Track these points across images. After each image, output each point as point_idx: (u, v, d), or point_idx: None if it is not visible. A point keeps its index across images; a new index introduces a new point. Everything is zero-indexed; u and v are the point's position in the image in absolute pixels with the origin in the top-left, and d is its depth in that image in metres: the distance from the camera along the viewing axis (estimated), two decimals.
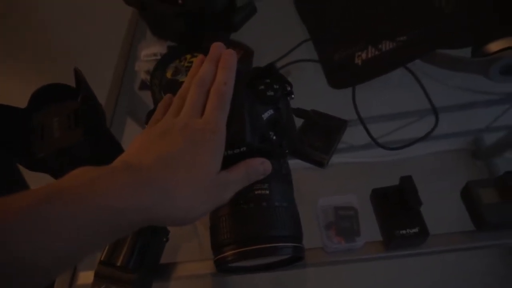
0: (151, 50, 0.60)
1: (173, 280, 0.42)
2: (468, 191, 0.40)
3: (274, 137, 0.38)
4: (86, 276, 0.43)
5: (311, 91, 0.56)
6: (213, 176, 0.31)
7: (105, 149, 0.40)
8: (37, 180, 0.44)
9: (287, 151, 0.41)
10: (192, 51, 0.62)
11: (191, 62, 0.61)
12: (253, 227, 0.34)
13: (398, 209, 0.40)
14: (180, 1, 0.56)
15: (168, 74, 0.60)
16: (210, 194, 0.31)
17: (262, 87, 0.38)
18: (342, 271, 0.45)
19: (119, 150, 0.44)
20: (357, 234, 0.40)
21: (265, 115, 0.37)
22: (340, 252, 0.40)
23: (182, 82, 0.56)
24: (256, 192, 0.35)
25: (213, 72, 0.36)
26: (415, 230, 0.38)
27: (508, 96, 0.60)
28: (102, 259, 0.39)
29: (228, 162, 0.36)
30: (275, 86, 0.38)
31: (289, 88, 0.39)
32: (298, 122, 0.50)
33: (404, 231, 0.38)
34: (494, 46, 0.46)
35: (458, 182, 0.42)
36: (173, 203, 0.28)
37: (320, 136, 0.48)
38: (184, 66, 0.61)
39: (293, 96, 0.40)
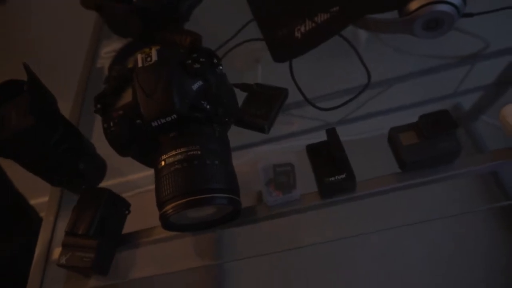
0: (111, 47, 0.64)
1: (135, 247, 0.47)
2: (391, 137, 0.44)
3: (208, 106, 0.43)
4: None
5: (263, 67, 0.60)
6: None
7: (60, 133, 0.45)
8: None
9: (226, 119, 0.46)
10: (149, 45, 0.67)
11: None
12: (188, 182, 0.38)
13: (327, 160, 0.43)
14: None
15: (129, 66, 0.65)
16: None
17: (190, 61, 0.42)
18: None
19: (74, 134, 0.49)
20: (293, 186, 0.44)
21: (195, 86, 0.42)
22: (279, 205, 0.44)
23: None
24: (189, 153, 0.39)
25: None
26: (343, 176, 0.42)
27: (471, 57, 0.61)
28: (66, 230, 0.44)
29: (162, 130, 0.40)
30: (201, 59, 0.42)
31: (215, 61, 0.43)
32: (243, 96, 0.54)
33: (333, 178, 0.42)
34: (414, 5, 0.50)
35: None
36: None
37: (262, 106, 0.52)
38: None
39: (221, 67, 0.44)
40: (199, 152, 0.39)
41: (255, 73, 0.60)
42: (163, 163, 0.40)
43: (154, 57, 0.42)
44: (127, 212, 0.48)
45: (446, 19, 0.49)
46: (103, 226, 0.44)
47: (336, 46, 0.57)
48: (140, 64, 0.42)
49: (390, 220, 0.44)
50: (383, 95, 0.61)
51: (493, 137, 0.48)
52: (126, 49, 0.64)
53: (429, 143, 0.41)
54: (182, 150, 0.39)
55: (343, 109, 0.52)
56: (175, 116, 0.40)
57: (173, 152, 0.40)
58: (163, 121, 0.40)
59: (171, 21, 0.63)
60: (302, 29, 0.58)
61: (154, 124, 0.40)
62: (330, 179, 0.42)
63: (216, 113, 0.43)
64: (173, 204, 0.38)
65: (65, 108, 0.54)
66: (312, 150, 0.45)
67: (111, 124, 0.43)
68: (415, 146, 0.42)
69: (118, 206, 0.47)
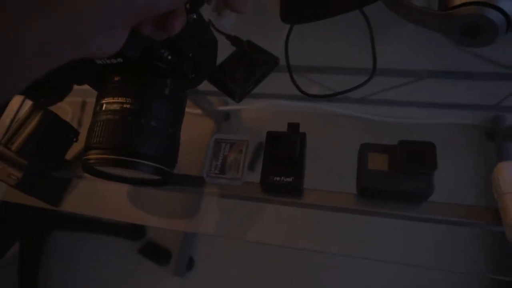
0: None
1: (76, 177, 0.46)
2: (360, 153, 0.37)
3: (169, 57, 0.37)
4: None
5: (263, 21, 0.52)
6: None
7: None
8: None
9: (192, 75, 0.40)
10: None
11: None
12: (117, 138, 0.35)
13: (282, 155, 0.38)
14: None
15: None
16: None
17: None
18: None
19: None
20: (239, 172, 0.40)
21: None
22: (218, 184, 0.41)
23: None
24: (124, 106, 0.35)
25: None
26: (289, 179, 0.37)
27: None
28: (2, 141, 0.43)
29: (108, 70, 0.36)
30: None
31: (188, 6, 0.37)
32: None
33: (278, 178, 0.37)
34: (452, 0, 0.39)
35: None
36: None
37: (245, 68, 0.45)
38: None
39: (194, 16, 0.37)
40: (136, 107, 0.35)
41: (257, 25, 0.52)
42: (102, 106, 0.36)
43: None
44: (75, 139, 0.46)
45: (489, 29, 0.39)
46: (40, 148, 0.42)
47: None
48: None
49: (329, 242, 0.40)
50: (410, 86, 0.55)
51: None
52: None
53: (398, 176, 0.35)
54: (120, 100, 0.35)
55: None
56: (120, 59, 0.35)
57: (111, 99, 0.36)
58: (107, 61, 0.35)
59: None
60: None
61: (99, 62, 0.36)
62: (275, 178, 0.37)
63: (180, 67, 0.38)
64: (96, 156, 0.35)
65: None
66: (272, 139, 0.40)
67: None
68: (381, 174, 0.35)
69: (64, 132, 0.45)
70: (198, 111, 0.58)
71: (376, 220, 0.39)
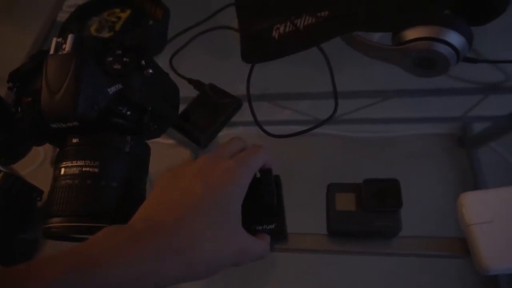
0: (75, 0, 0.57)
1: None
2: (328, 193, 0.37)
3: (128, 112, 0.37)
4: None
5: (224, 62, 0.53)
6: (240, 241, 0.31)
7: None
8: None
9: (155, 127, 0.40)
10: (121, 5, 0.59)
11: (120, 17, 0.59)
12: (76, 203, 0.34)
13: (260, 204, 0.37)
14: None
15: (92, 29, 0.58)
16: (234, 257, 0.31)
17: (111, 59, 0.35)
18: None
19: None
20: None
21: (111, 89, 0.35)
22: None
23: (105, 40, 0.54)
24: (84, 169, 0.34)
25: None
26: (272, 226, 0.36)
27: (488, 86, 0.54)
28: None
29: (65, 133, 0.35)
30: (124, 59, 0.35)
31: (143, 62, 0.37)
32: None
33: (260, 227, 0.36)
34: (409, 35, 0.41)
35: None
36: (195, 271, 0.28)
37: (208, 113, 0.45)
38: (111, 21, 0.59)
39: (150, 70, 0.37)
40: (96, 170, 0.34)
41: (221, 68, 0.53)
42: (61, 170, 0.35)
43: (69, 46, 0.35)
44: (39, 199, 0.45)
45: (441, 63, 0.40)
46: (1, 213, 0.41)
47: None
48: (52, 51, 0.35)
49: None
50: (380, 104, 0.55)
51: (494, 167, 0.49)
52: (87, 7, 0.56)
53: (365, 216, 0.35)
54: (79, 163, 0.34)
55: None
56: (76, 123, 0.34)
57: (69, 163, 0.35)
58: (63, 125, 0.34)
59: None
60: (282, 29, 0.49)
61: (54, 126, 0.35)
62: (257, 227, 0.36)
63: (140, 121, 0.38)
64: (57, 224, 0.34)
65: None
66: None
67: (19, 109, 0.38)
68: (349, 214, 0.36)
69: (27, 194, 0.43)
70: (172, 141, 0.57)
71: (351, 258, 0.38)
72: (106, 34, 0.56)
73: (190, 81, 0.48)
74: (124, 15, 0.58)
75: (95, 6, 0.57)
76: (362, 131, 0.54)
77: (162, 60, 0.52)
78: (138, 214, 0.31)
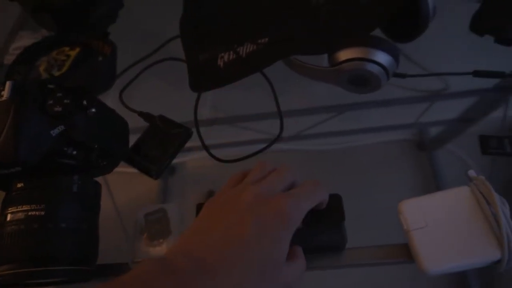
0: (22, 42, 0.58)
1: None
2: None
3: (74, 152, 0.37)
4: None
5: (173, 92, 0.54)
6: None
7: None
8: None
9: (104, 163, 0.40)
10: (69, 43, 0.60)
11: (69, 55, 0.59)
12: (26, 249, 0.33)
13: None
14: None
15: (41, 69, 0.58)
16: None
17: (51, 101, 0.36)
18: None
19: None
20: (167, 233, 0.39)
21: (54, 132, 0.36)
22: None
23: (57, 77, 0.54)
24: (29, 213, 0.34)
25: None
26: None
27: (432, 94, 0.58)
28: None
29: (9, 178, 0.35)
30: (65, 101, 0.36)
31: (85, 102, 0.37)
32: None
33: None
34: (341, 56, 0.43)
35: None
36: None
37: (159, 144, 0.46)
38: (60, 59, 0.59)
39: (93, 110, 0.38)
40: (42, 213, 0.34)
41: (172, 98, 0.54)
42: (7, 216, 0.35)
43: (7, 92, 0.35)
44: None
45: (373, 80, 0.43)
46: None
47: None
48: None
49: None
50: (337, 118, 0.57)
51: (453, 166, 0.52)
52: (34, 48, 0.57)
53: (311, 232, 0.36)
54: (24, 208, 0.34)
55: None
56: (18, 168, 0.34)
57: (15, 208, 0.35)
58: (6, 171, 0.35)
59: (88, 24, 0.57)
60: (226, 57, 0.51)
61: None
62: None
63: (87, 159, 0.38)
64: (5, 272, 0.33)
65: None
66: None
67: None
68: (297, 231, 0.37)
69: None
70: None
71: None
72: (55, 73, 0.57)
73: (140, 114, 0.49)
74: (73, 53, 0.59)
75: (42, 47, 0.58)
76: (322, 144, 0.56)
77: (112, 95, 0.53)
78: (179, 246, 0.29)
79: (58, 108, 0.36)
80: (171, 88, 0.55)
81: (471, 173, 0.37)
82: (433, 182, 0.56)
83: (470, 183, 0.36)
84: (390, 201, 0.44)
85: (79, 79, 0.51)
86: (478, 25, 0.50)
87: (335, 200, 0.37)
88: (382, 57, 0.42)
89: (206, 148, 0.46)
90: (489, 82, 0.52)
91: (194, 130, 0.48)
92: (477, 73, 0.48)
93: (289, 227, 0.30)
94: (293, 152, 0.54)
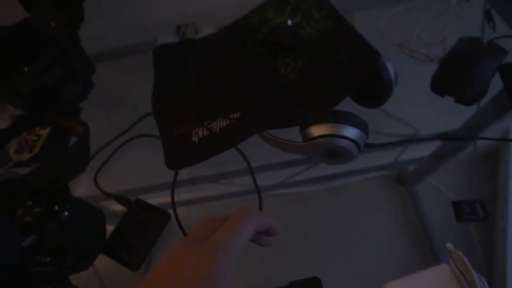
0: None
1: None
2: None
3: (48, 259, 0.36)
4: None
5: (149, 170, 0.54)
6: None
7: None
8: None
9: (81, 262, 0.39)
10: (40, 124, 0.59)
11: (40, 135, 0.59)
12: None
13: None
14: None
15: (11, 152, 0.57)
16: None
17: (21, 211, 0.35)
18: None
19: None
20: None
21: (26, 242, 0.35)
22: None
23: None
24: None
25: None
26: None
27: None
28: None
29: None
30: (36, 210, 0.35)
31: (57, 208, 0.37)
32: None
33: None
34: (313, 131, 0.44)
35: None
36: None
37: (137, 231, 0.45)
38: (31, 140, 0.58)
39: (66, 213, 0.37)
40: None
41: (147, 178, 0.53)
42: None
43: None
44: None
45: (345, 154, 0.44)
46: None
47: None
48: None
49: None
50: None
51: (432, 198, 0.55)
52: (3, 132, 0.55)
53: None
54: None
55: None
56: None
57: None
58: None
59: (58, 104, 0.56)
60: (200, 133, 0.51)
61: None
62: None
63: (63, 262, 0.37)
64: None
65: None
66: None
67: None
68: None
69: None
70: None
71: None
72: (25, 155, 0.56)
73: (117, 199, 0.48)
74: (44, 132, 0.58)
75: (12, 131, 0.57)
76: (307, 186, 0.56)
77: (87, 179, 0.52)
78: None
79: (28, 218, 0.35)
80: (146, 166, 0.54)
81: (449, 245, 0.38)
82: (414, 214, 0.56)
83: (449, 259, 0.37)
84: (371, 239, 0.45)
85: (52, 166, 0.50)
86: (438, 87, 0.52)
87: (315, 284, 0.37)
88: (353, 132, 0.43)
89: (182, 228, 0.45)
90: (457, 124, 0.55)
91: (171, 211, 0.47)
92: (444, 136, 0.50)
93: (216, 277, 0.25)
94: (278, 196, 0.54)
